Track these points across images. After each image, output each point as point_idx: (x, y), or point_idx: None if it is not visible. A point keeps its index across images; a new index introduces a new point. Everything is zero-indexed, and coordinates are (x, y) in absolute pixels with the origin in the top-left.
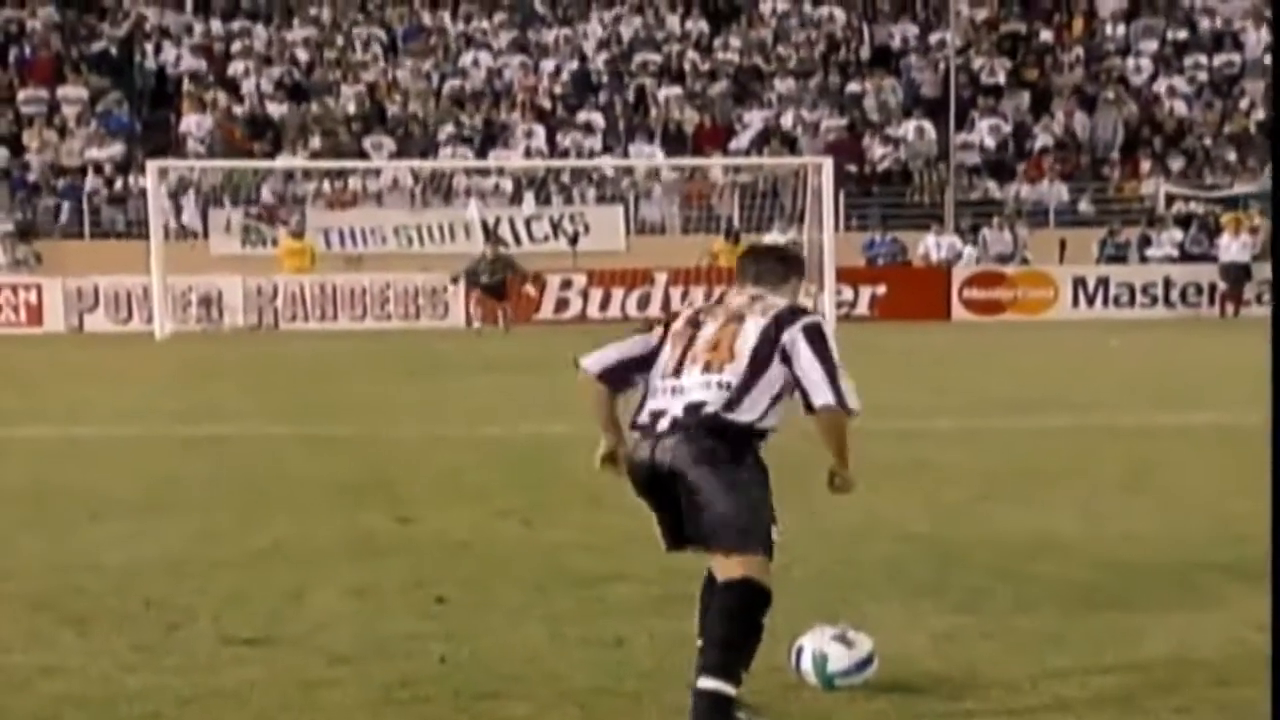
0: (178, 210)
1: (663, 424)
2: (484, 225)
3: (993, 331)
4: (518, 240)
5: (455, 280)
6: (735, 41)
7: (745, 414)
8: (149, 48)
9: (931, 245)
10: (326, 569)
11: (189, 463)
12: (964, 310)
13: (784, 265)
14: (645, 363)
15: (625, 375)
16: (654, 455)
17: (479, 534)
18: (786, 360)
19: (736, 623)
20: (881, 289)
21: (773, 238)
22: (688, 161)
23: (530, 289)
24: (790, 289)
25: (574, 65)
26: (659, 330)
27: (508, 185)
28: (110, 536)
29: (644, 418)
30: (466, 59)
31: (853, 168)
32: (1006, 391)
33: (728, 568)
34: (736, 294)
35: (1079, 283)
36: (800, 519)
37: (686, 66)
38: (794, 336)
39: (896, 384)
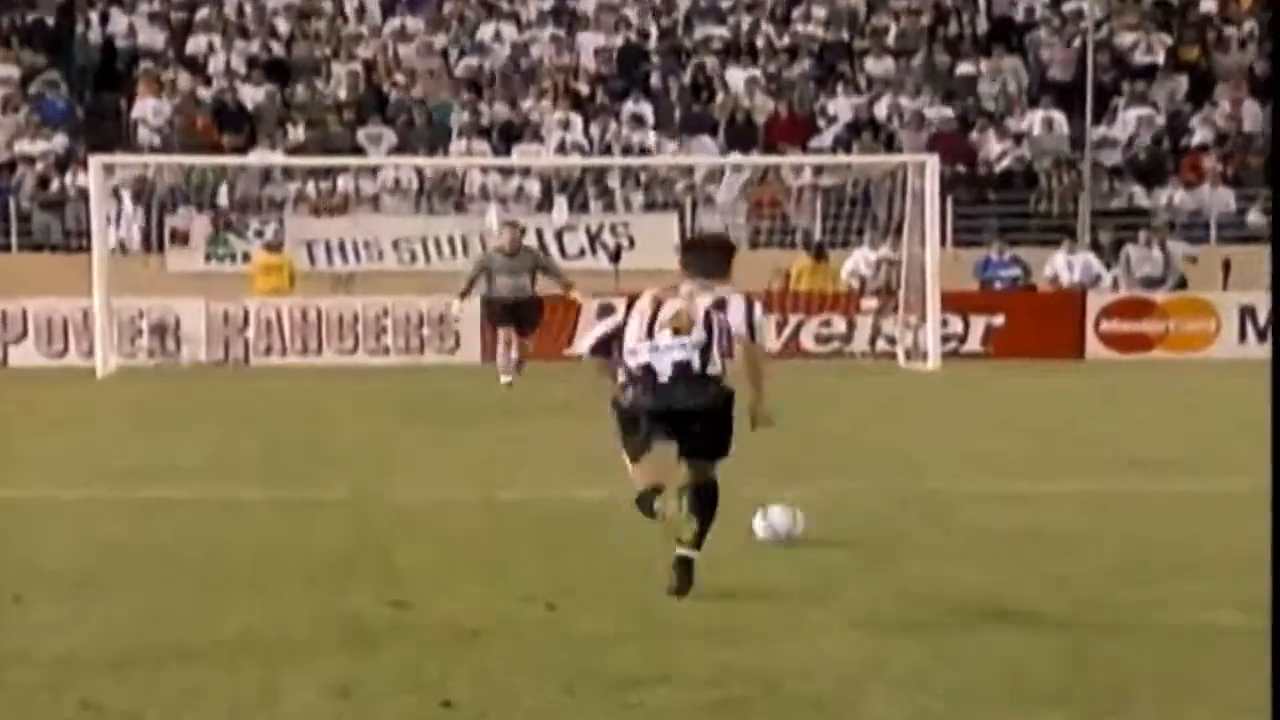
0: (127, 217)
1: (662, 376)
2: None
3: (1137, 373)
4: (547, 256)
5: (463, 296)
6: (819, 11)
7: (712, 368)
8: (93, 17)
9: (1061, 265)
10: (304, 662)
11: (137, 531)
12: (1101, 346)
13: (729, 257)
14: (618, 335)
15: (607, 346)
16: (669, 398)
17: (493, 621)
18: (722, 310)
19: (712, 507)
20: (999, 319)
21: (862, 254)
22: (759, 160)
23: (575, 294)
24: (731, 278)
25: (619, 40)
26: (622, 310)
27: (535, 188)
28: (40, 622)
29: (635, 370)
30: (486, 31)
31: (963, 168)
32: (1152, 448)
33: (709, 471)
34: (687, 284)
35: (1247, 313)
36: (889, 598)
37: (759, 42)
38: (730, 300)
39: (1014, 436)
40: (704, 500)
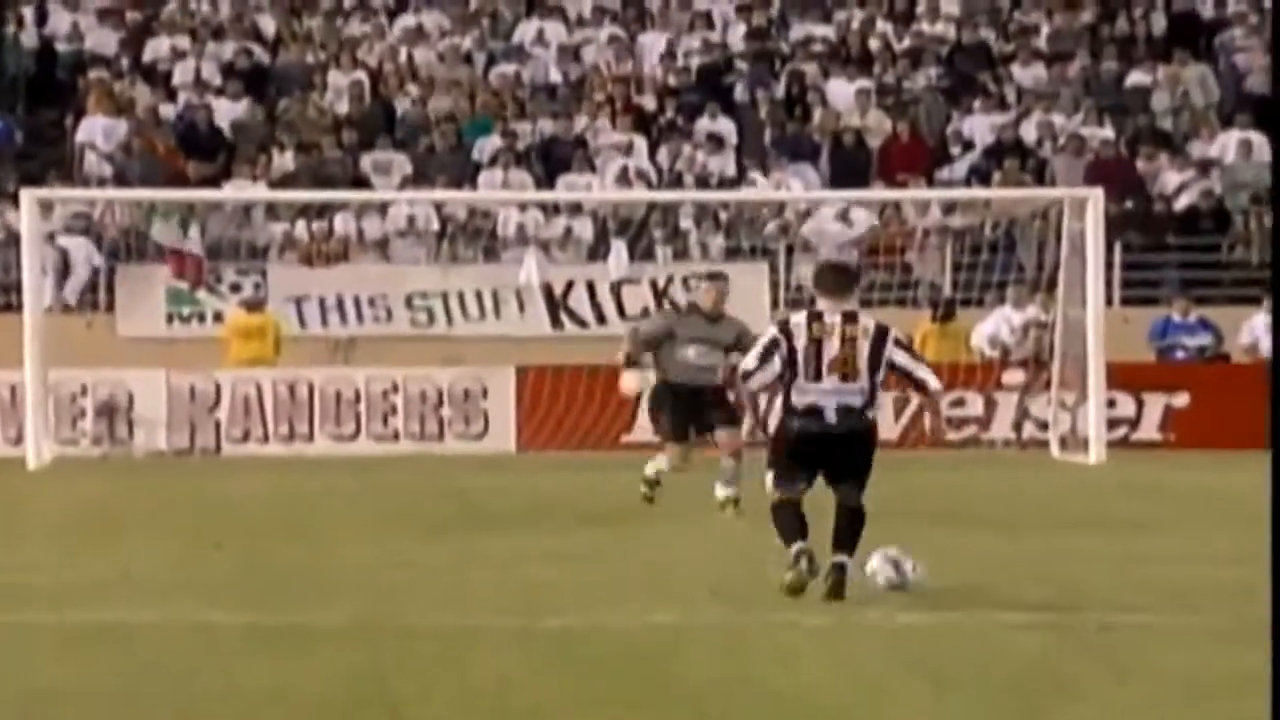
0: (68, 266)
1: (829, 417)
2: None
3: None
4: (600, 317)
5: (632, 362)
6: (950, 5)
7: (872, 412)
8: (27, 14)
9: (1261, 330)
10: None
11: (80, 665)
12: None
13: (854, 279)
14: (780, 375)
15: (775, 385)
16: (829, 431)
17: None
18: (891, 365)
19: (859, 528)
20: (1181, 399)
21: (1004, 315)
22: (872, 195)
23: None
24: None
25: (694, 43)
26: (782, 346)
27: (586, 230)
28: None
29: (802, 407)
30: (525, 31)
31: (1135, 206)
32: None
33: (857, 498)
34: (830, 314)
35: None
36: None
37: (873, 45)
38: (890, 349)
39: (1205, 550)
40: (853, 519)
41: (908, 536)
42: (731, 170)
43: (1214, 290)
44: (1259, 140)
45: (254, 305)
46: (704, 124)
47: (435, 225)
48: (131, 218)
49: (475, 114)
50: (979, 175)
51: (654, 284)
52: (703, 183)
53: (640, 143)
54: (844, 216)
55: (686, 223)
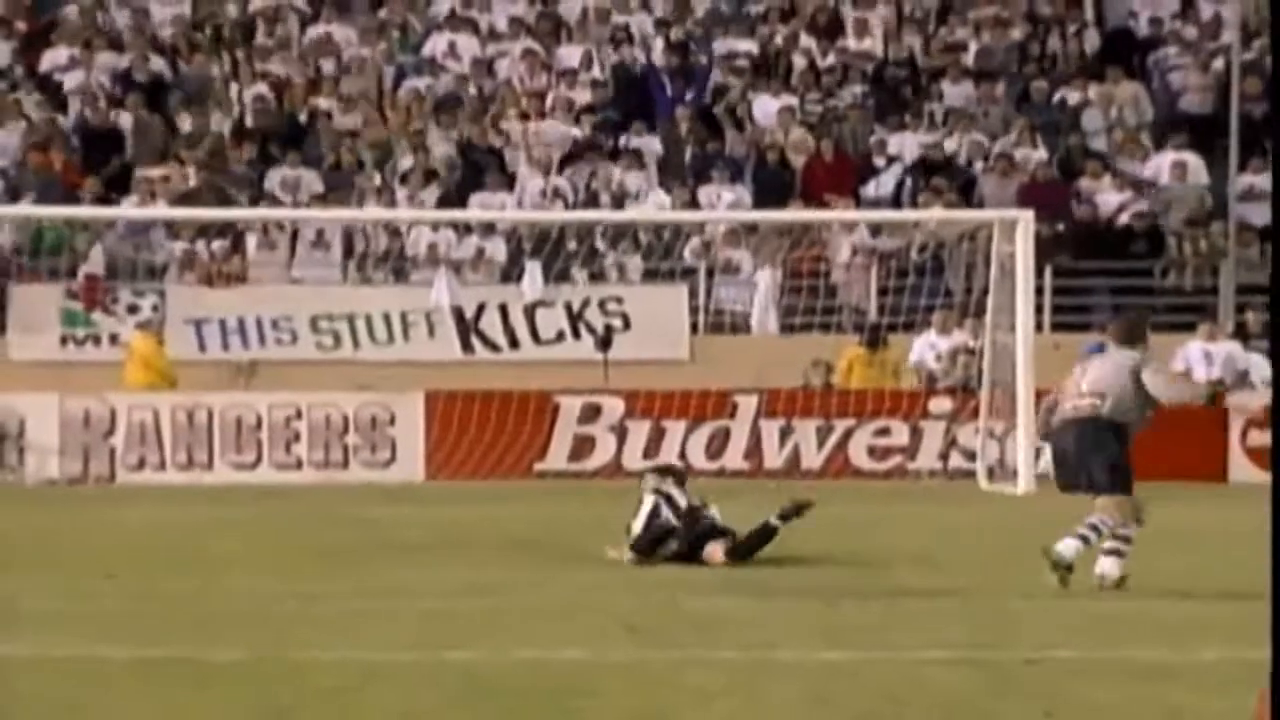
0: None
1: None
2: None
3: None
4: (513, 341)
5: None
6: (875, 20)
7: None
8: None
9: (1197, 358)
10: None
11: None
12: (1249, 465)
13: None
14: None
15: None
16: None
17: None
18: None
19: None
20: None
21: (931, 341)
22: (796, 215)
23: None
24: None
25: (613, 55)
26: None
27: (499, 251)
28: None
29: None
30: (437, 44)
31: (1067, 228)
32: None
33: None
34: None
35: None
36: None
37: (797, 62)
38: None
39: (1137, 580)
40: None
41: (830, 571)
42: (650, 189)
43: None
44: (1194, 161)
45: (151, 327)
46: (623, 141)
47: (341, 245)
48: (19, 235)
49: (385, 129)
50: (906, 196)
51: (569, 307)
52: (619, 202)
53: (556, 160)
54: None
55: (603, 244)
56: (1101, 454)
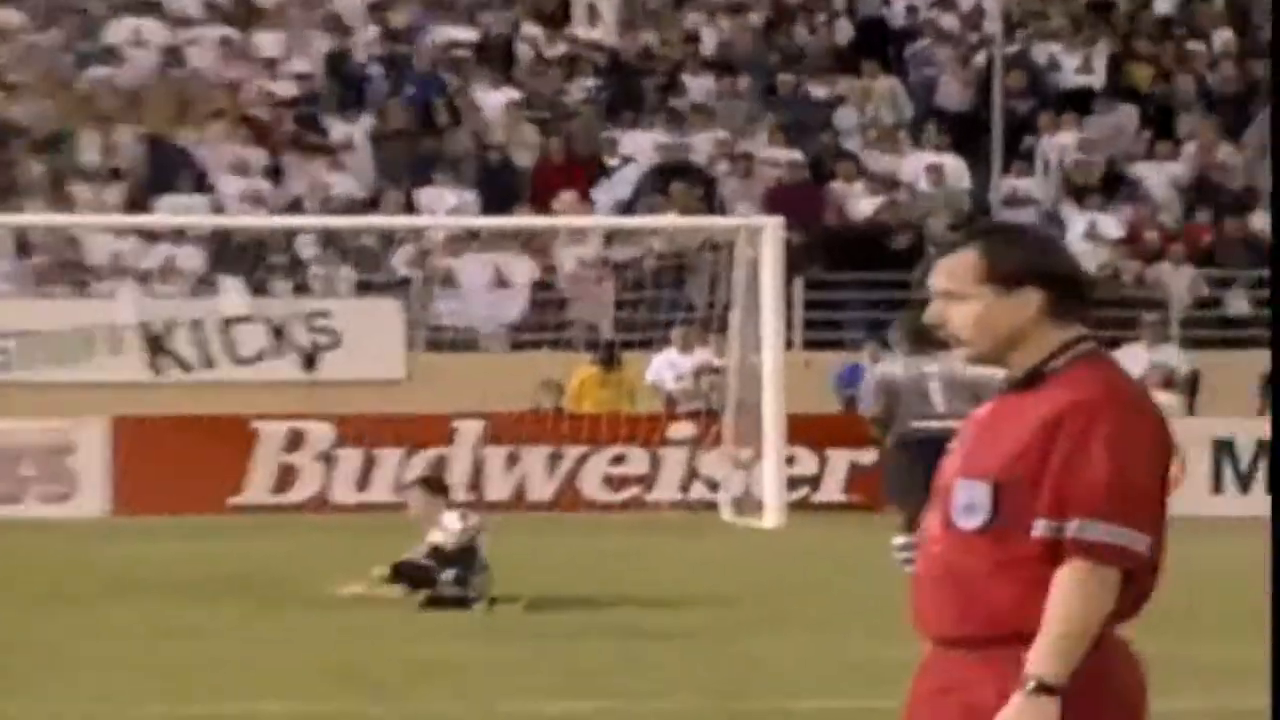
0: None
1: None
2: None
3: None
4: (208, 361)
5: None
6: (606, 5)
7: None
8: None
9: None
10: None
11: None
12: None
13: None
14: None
15: None
16: None
17: None
18: None
19: None
20: (869, 455)
21: (670, 359)
22: (520, 222)
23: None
24: None
25: (321, 46)
26: None
27: (193, 260)
28: None
29: None
30: (119, 31)
31: (818, 236)
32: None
33: None
34: None
35: (1222, 450)
36: None
37: (520, 49)
38: None
39: (896, 621)
40: None
41: (563, 611)
42: (361, 192)
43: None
44: (953, 163)
45: None
46: (330, 138)
47: (12, 253)
48: None
49: (62, 123)
50: (642, 200)
51: (271, 324)
52: (328, 206)
53: (255, 158)
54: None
55: (309, 251)
56: None
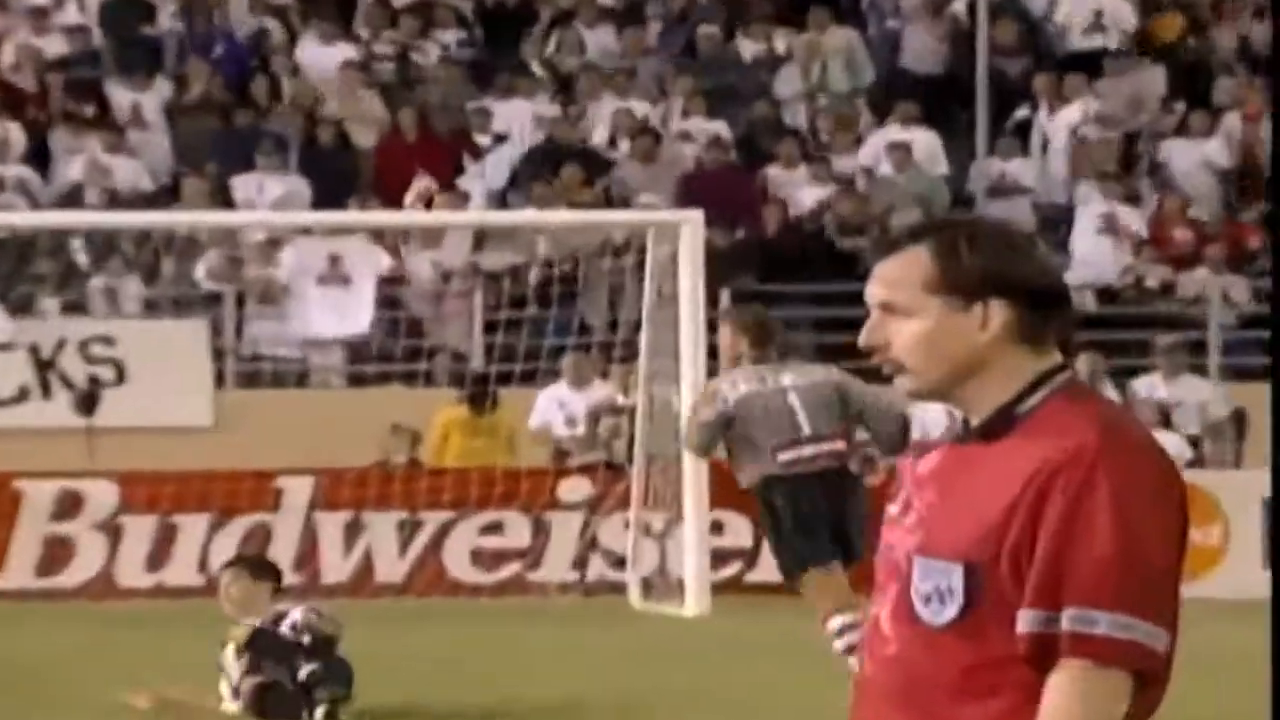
0: None
1: None
2: None
3: None
4: None
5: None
6: None
7: None
8: None
9: (935, 419)
10: None
11: None
12: None
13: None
14: None
15: None
16: None
17: None
18: None
19: None
20: None
21: (559, 396)
22: (362, 218)
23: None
24: None
25: None
26: None
27: None
28: None
29: None
30: None
31: (748, 234)
32: None
33: None
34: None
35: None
36: None
37: None
38: None
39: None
40: None
41: None
42: (153, 181)
43: (865, 360)
44: (924, 141)
45: None
46: (112, 109)
47: None
48: None
49: None
50: (522, 188)
51: (36, 352)
52: (115, 201)
53: (16, 138)
54: None
55: (83, 257)
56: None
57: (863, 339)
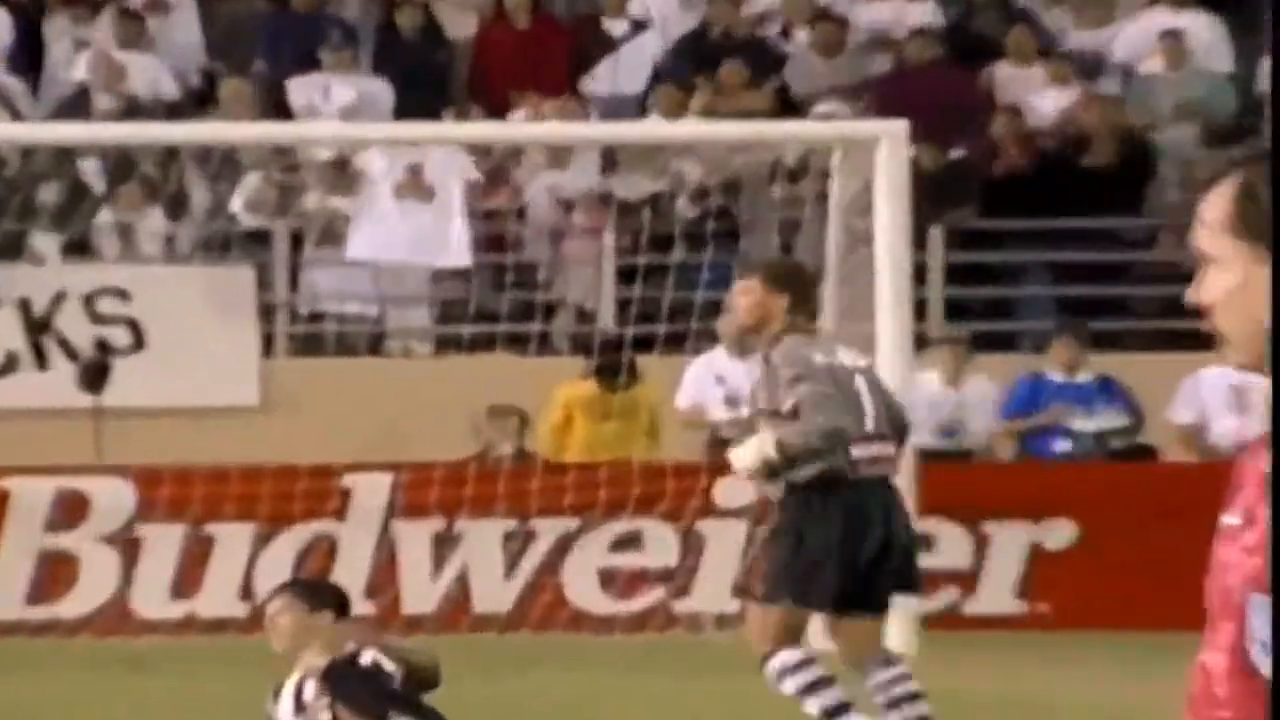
0: None
1: None
2: None
3: None
4: None
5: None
6: None
7: None
8: None
9: (1218, 393)
10: None
11: None
12: None
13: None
14: None
15: None
16: None
17: None
18: None
19: None
20: (1063, 532)
21: (716, 363)
22: (456, 131)
23: None
24: None
25: None
26: None
27: None
28: None
29: None
30: None
31: (969, 153)
32: None
33: None
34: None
35: None
36: None
37: None
38: None
39: None
40: None
41: None
42: (177, 83)
43: (1120, 322)
44: (1201, 29)
45: None
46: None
47: None
48: None
49: None
50: (665, 95)
51: (27, 308)
52: (134, 111)
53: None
54: None
55: (94, 181)
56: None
57: (1189, 296)
